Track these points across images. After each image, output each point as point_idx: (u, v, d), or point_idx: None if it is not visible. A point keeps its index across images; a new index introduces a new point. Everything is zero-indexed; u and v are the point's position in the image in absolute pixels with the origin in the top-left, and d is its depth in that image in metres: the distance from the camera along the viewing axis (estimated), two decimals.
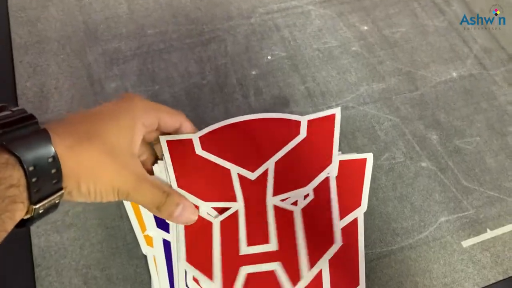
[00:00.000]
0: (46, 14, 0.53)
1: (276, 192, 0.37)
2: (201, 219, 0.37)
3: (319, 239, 0.36)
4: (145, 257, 0.38)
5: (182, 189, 0.37)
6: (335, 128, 0.41)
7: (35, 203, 0.27)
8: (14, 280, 0.38)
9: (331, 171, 0.39)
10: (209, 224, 0.37)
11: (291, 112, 0.47)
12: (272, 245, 0.36)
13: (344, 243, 0.37)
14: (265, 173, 0.38)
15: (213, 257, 0.36)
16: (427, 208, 0.43)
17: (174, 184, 0.37)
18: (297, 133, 0.40)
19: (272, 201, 0.37)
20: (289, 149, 0.39)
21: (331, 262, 0.36)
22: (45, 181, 0.27)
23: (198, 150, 0.39)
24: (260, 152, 0.39)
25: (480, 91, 0.51)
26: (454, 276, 0.40)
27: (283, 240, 0.36)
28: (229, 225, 0.37)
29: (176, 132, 0.39)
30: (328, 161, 0.39)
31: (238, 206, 0.37)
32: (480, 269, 0.40)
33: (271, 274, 0.35)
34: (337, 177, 0.39)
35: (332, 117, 0.41)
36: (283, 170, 0.38)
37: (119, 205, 0.41)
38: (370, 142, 0.46)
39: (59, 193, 0.29)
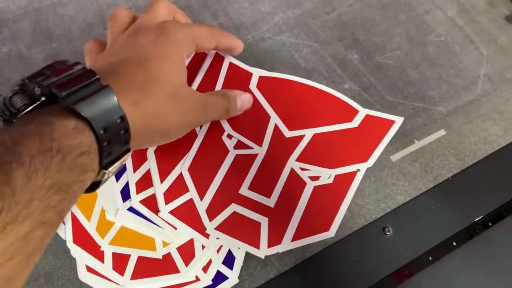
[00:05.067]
0: None
1: (300, 159, 0.37)
2: (220, 142, 0.37)
3: (315, 220, 0.36)
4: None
5: None
6: (388, 134, 0.40)
7: (106, 168, 0.25)
8: None
9: (362, 168, 0.38)
10: (225, 151, 0.37)
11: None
12: (270, 201, 0.36)
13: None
14: (300, 137, 0.38)
15: (213, 181, 0.36)
16: None
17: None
18: (350, 120, 0.40)
19: (292, 164, 0.37)
20: (334, 129, 0.39)
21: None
22: (115, 144, 0.25)
23: (253, 85, 0.40)
24: (305, 118, 0.39)
25: (397, 4, 0.49)
26: (386, 191, 0.39)
27: (282, 202, 0.36)
28: (243, 162, 0.37)
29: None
30: (364, 158, 0.39)
31: (260, 151, 0.37)
32: (410, 180, 0.40)
33: (255, 224, 0.35)
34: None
35: (390, 123, 0.40)
36: (317, 144, 0.38)
37: None
38: (291, 72, 0.44)
39: (128, 154, 0.27)
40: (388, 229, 0.38)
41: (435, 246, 0.38)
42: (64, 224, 0.35)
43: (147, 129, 0.28)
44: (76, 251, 0.34)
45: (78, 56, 0.43)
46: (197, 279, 0.35)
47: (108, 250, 0.34)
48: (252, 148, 0.37)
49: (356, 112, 0.40)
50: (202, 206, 0.35)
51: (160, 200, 0.35)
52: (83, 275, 0.34)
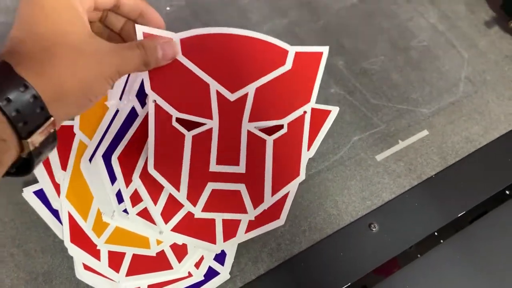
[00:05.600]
0: None
1: (252, 119, 0.37)
2: (173, 129, 0.36)
3: (285, 170, 0.37)
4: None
5: (155, 92, 0.35)
6: (320, 67, 0.39)
7: (27, 137, 0.25)
8: None
9: (308, 109, 0.38)
10: (181, 136, 0.36)
11: None
12: (240, 168, 0.36)
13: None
14: (244, 96, 0.37)
15: (182, 169, 0.35)
16: (340, 130, 0.44)
17: (148, 86, 0.35)
18: (283, 63, 0.38)
19: (247, 126, 0.37)
20: (272, 77, 0.38)
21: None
22: (27, 112, 0.25)
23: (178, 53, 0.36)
24: (243, 74, 0.37)
25: (381, 12, 0.51)
26: (371, 189, 0.41)
27: (251, 165, 0.36)
28: (201, 141, 0.36)
29: (134, 15, 0.35)
30: (307, 99, 0.38)
31: (213, 124, 0.36)
32: (395, 178, 0.42)
33: (236, 193, 0.36)
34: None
35: (319, 55, 0.39)
36: (262, 98, 0.37)
37: (26, 181, 0.39)
38: None
39: (50, 121, 0.26)
40: (374, 225, 0.39)
41: (422, 241, 0.39)
42: (61, 224, 0.37)
43: (64, 92, 0.27)
44: (73, 250, 0.36)
45: None
46: (190, 275, 0.36)
47: (104, 249, 0.36)
48: (204, 124, 0.36)
49: (286, 52, 0.38)
50: (181, 196, 0.35)
51: (159, 221, 0.36)
52: (80, 273, 0.36)
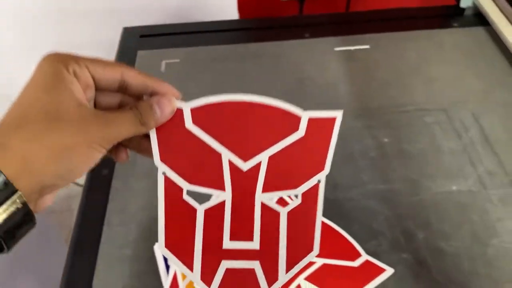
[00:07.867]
0: None
1: (265, 189, 0.37)
2: (184, 203, 0.36)
3: (298, 245, 0.37)
4: None
5: (164, 163, 0.36)
6: (333, 134, 0.38)
7: None
8: None
9: (322, 177, 0.38)
10: (193, 211, 0.36)
11: None
12: (254, 244, 0.36)
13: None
14: (257, 166, 0.37)
15: (195, 247, 0.36)
16: None
17: (157, 158, 0.36)
18: (295, 129, 0.37)
19: (261, 197, 0.37)
20: (285, 145, 0.37)
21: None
22: None
23: (188, 123, 0.36)
24: (255, 142, 0.37)
25: (474, 206, 0.59)
26: None
27: (265, 240, 0.37)
28: (214, 215, 0.36)
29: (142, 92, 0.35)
30: (321, 167, 0.38)
31: (226, 196, 0.36)
32: None
33: (250, 272, 0.36)
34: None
35: (332, 121, 0.38)
36: (275, 168, 0.37)
37: None
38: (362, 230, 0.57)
39: (16, 195, 0.26)
40: None
41: None
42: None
43: (30, 162, 0.27)
44: None
45: None
46: None
47: None
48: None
49: (299, 118, 0.37)
50: (195, 276, 0.35)
51: None
52: None
